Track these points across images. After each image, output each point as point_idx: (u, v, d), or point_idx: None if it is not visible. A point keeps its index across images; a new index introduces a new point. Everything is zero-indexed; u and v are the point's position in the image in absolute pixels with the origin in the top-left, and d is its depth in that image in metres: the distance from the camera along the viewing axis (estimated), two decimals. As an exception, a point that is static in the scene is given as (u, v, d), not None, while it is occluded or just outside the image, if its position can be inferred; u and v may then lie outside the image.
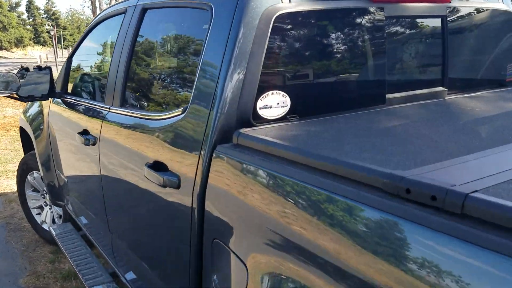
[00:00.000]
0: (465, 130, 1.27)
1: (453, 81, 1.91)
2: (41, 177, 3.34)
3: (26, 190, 3.68)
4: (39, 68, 2.69)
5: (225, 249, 1.26)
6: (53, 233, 2.98)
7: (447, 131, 1.28)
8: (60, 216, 3.39)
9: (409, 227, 0.80)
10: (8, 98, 2.74)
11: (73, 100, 2.57)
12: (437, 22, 1.87)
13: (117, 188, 2.01)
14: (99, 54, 2.57)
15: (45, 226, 3.55)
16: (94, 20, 2.59)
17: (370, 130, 1.34)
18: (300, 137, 1.29)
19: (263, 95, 1.45)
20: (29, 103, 3.43)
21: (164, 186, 1.52)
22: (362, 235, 0.87)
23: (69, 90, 2.77)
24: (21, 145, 3.94)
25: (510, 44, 2.07)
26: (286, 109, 1.49)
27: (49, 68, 2.68)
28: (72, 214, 2.91)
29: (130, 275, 2.04)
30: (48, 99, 2.76)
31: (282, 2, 1.46)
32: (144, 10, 1.98)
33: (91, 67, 2.76)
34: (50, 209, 3.54)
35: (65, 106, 2.66)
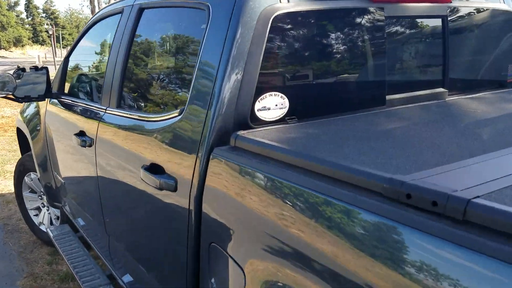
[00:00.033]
0: (467, 133, 1.25)
1: (454, 82, 1.89)
2: (38, 178, 3.32)
3: (23, 191, 3.66)
4: (35, 68, 2.67)
5: (222, 253, 1.24)
6: (51, 234, 2.96)
7: (448, 133, 1.26)
8: (57, 218, 3.37)
9: (410, 233, 0.78)
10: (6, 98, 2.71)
11: (70, 101, 2.55)
12: (437, 22, 1.85)
13: (114, 190, 1.99)
14: (95, 54, 2.55)
15: (42, 228, 3.53)
16: (91, 19, 2.57)
17: (370, 133, 1.32)
18: (299, 139, 1.27)
19: (261, 97, 1.43)
20: (26, 103, 3.40)
21: (160, 188, 1.50)
22: (361, 241, 0.85)
23: (66, 91, 2.75)
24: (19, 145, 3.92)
25: (511, 44, 2.05)
26: (285, 111, 1.47)
27: (46, 68, 2.66)
28: (70, 216, 2.89)
29: (127, 278, 2.02)
30: (44, 100, 2.74)
31: (280, 2, 1.44)
32: (141, 10, 1.96)
33: (87, 67, 2.74)
34: (47, 210, 3.52)
35: (61, 107, 2.64)
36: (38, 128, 3.11)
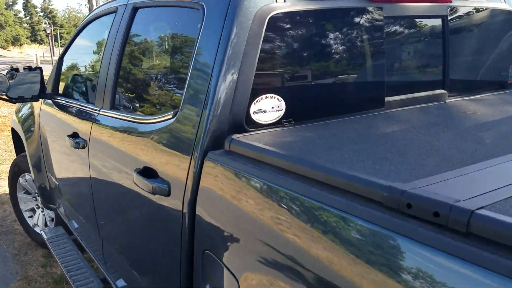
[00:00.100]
0: (468, 137, 1.21)
1: (454, 83, 1.86)
2: (33, 180, 3.27)
3: (17, 192, 3.61)
4: (29, 68, 2.63)
5: (216, 261, 1.20)
6: (45, 237, 2.91)
7: (449, 137, 1.22)
8: (52, 219, 3.33)
9: (410, 245, 0.74)
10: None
11: (64, 102, 2.51)
12: (437, 22, 1.81)
13: (107, 193, 1.95)
14: (89, 54, 2.50)
15: (37, 229, 3.49)
16: (85, 19, 2.52)
17: (368, 136, 1.28)
18: (295, 144, 1.23)
19: (257, 99, 1.39)
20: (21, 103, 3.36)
21: (153, 193, 1.46)
22: (359, 253, 0.81)
23: (60, 91, 2.70)
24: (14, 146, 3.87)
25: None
26: (281, 113, 1.43)
27: (40, 69, 2.62)
28: (64, 218, 2.84)
29: (121, 283, 1.98)
30: (38, 101, 2.69)
31: (276, 1, 1.40)
32: (135, 9, 1.91)
33: (81, 67, 2.69)
34: (42, 212, 3.48)
35: (55, 107, 2.59)
36: (32, 128, 3.07)
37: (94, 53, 2.43)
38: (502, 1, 2.03)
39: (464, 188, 0.82)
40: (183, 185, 1.34)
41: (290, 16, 1.43)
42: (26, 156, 3.25)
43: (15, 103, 2.72)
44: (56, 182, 2.76)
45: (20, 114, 3.40)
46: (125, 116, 1.79)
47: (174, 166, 1.41)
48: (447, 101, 1.81)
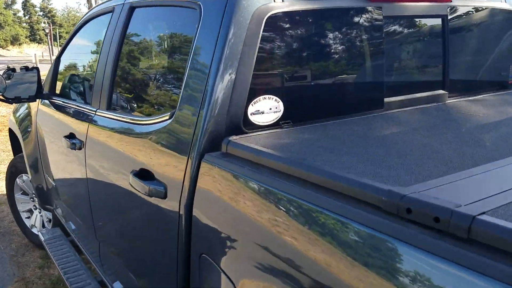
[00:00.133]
0: (469, 139, 1.19)
1: (454, 83, 1.84)
2: (30, 180, 3.25)
3: (15, 193, 3.59)
4: (26, 68, 2.61)
5: (213, 265, 1.18)
6: (42, 238, 2.89)
7: (449, 139, 1.20)
8: (49, 220, 3.31)
9: (410, 251, 0.73)
10: (1, 98, 2.65)
11: (61, 102, 2.48)
12: (437, 22, 1.79)
13: (104, 195, 1.93)
14: (86, 54, 2.48)
15: (34, 230, 3.47)
16: (82, 18, 2.50)
17: (367, 138, 1.26)
18: (293, 146, 1.21)
19: (255, 100, 1.37)
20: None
21: (150, 195, 1.44)
22: (358, 258, 0.80)
23: (57, 91, 2.68)
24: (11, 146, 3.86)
25: (512, 44, 2.00)
26: (279, 114, 1.41)
27: (37, 69, 2.60)
28: (61, 219, 2.82)
29: (118, 285, 1.96)
30: (35, 101, 2.67)
31: (274, 1, 1.38)
32: (132, 9, 1.89)
33: (78, 67, 2.67)
34: (39, 213, 3.46)
35: (52, 108, 2.57)
36: (29, 129, 3.05)
37: (91, 53, 2.41)
38: (503, 1, 2.01)
39: (465, 192, 0.80)
40: (180, 188, 1.32)
41: (288, 15, 1.41)
42: (23, 157, 3.23)
43: (12, 104, 2.70)
44: (53, 183, 2.74)
45: (17, 114, 3.38)
46: (122, 117, 1.77)
47: (171, 168, 1.39)
48: (447, 101, 1.79)
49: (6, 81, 2.49)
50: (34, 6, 66.29)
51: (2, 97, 2.49)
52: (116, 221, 1.89)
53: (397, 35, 1.71)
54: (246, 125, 1.36)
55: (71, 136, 2.19)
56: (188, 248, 1.31)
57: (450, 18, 1.80)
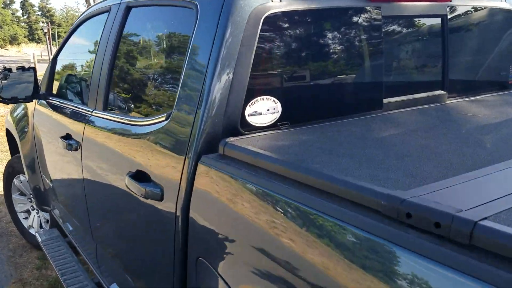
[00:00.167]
0: (469, 140, 1.17)
1: (454, 84, 1.82)
2: (27, 181, 3.23)
3: (12, 193, 3.57)
4: (22, 68, 2.59)
5: (210, 270, 1.16)
6: (39, 239, 2.87)
7: (449, 141, 1.18)
8: (47, 221, 3.29)
9: (410, 257, 0.71)
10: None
11: (57, 102, 2.46)
12: (437, 22, 1.78)
13: (100, 197, 1.91)
14: (83, 54, 2.46)
15: (32, 231, 3.45)
16: (79, 18, 2.48)
17: (366, 140, 1.24)
18: (291, 148, 1.19)
19: (252, 101, 1.35)
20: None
21: (146, 197, 1.43)
22: (357, 263, 0.78)
23: (54, 91, 2.66)
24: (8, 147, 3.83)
25: (512, 44, 1.98)
26: (277, 115, 1.39)
27: (33, 69, 2.58)
28: (58, 220, 2.81)
29: (115, 287, 1.94)
30: (32, 101, 2.65)
31: (272, 1, 1.36)
32: (128, 9, 1.87)
33: (75, 67, 2.65)
34: (37, 213, 3.44)
35: (49, 108, 2.55)
36: (26, 129, 3.03)
37: (88, 53, 2.38)
38: (502, 0, 1.99)
39: (466, 196, 0.79)
40: (176, 190, 1.30)
41: (286, 15, 1.39)
42: (20, 157, 3.21)
43: (8, 104, 2.68)
44: (50, 184, 2.72)
45: (14, 115, 3.36)
46: (118, 118, 1.75)
47: (167, 170, 1.37)
48: (446, 102, 1.78)
49: (3, 81, 2.47)
50: (32, 5, 66.15)
51: (-2, 98, 2.47)
52: (113, 223, 1.87)
53: (396, 35, 1.70)
54: (243, 126, 1.34)
55: (67, 137, 2.17)
56: (184, 251, 1.29)
57: (450, 18, 1.78)
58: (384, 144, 1.20)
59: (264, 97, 1.37)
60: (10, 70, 2.61)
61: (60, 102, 2.43)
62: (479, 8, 1.91)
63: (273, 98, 1.38)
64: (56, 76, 2.70)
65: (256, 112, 1.36)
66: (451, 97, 1.81)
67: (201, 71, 1.34)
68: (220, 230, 1.15)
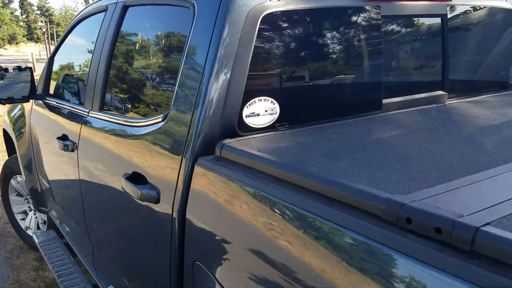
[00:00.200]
0: (470, 142, 1.16)
1: (454, 84, 1.80)
2: (24, 182, 3.21)
3: (9, 194, 3.55)
4: (19, 68, 2.57)
5: (207, 274, 1.14)
6: (36, 240, 2.85)
7: (450, 143, 1.17)
8: (44, 222, 3.27)
9: (410, 264, 0.69)
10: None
11: (54, 102, 2.44)
12: (436, 22, 1.76)
13: (97, 199, 1.89)
14: (79, 54, 2.44)
15: (29, 232, 3.43)
16: (76, 17, 2.46)
17: (365, 142, 1.22)
18: (289, 150, 1.17)
19: (250, 102, 1.33)
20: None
21: (142, 200, 1.41)
22: (355, 269, 0.76)
23: (51, 92, 2.64)
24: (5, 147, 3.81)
25: (513, 44, 1.96)
26: (275, 117, 1.38)
27: (30, 69, 2.56)
28: (56, 221, 2.78)
29: (112, 290, 1.92)
30: (28, 101, 2.63)
31: (270, 0, 1.34)
32: (125, 8, 1.85)
33: (72, 67, 2.63)
34: (34, 214, 3.42)
35: (46, 108, 2.53)
36: (23, 130, 3.01)
37: (84, 52, 2.36)
38: (503, 0, 1.97)
39: (468, 200, 0.77)
40: (173, 192, 1.28)
41: (284, 15, 1.37)
42: (17, 158, 3.19)
43: (4, 104, 2.66)
44: (47, 185, 2.70)
45: (12, 115, 3.34)
46: (115, 119, 1.73)
47: (164, 172, 1.35)
48: (446, 103, 1.76)
49: (-1, 81, 2.45)
50: (31, 5, 66.01)
51: (-6, 98, 2.45)
52: (109, 225, 1.85)
53: (395, 34, 1.68)
54: (241, 128, 1.32)
55: (63, 138, 2.15)
56: (181, 255, 1.27)
57: (450, 17, 1.77)
58: (383, 145, 1.18)
59: (262, 97, 1.35)
60: (6, 70, 2.59)
61: (56, 102, 2.41)
62: (479, 8, 1.89)
63: (271, 99, 1.36)
64: (53, 76, 2.67)
65: (253, 113, 1.34)
66: (451, 98, 1.80)
67: (198, 71, 1.32)
68: (216, 234, 1.13)
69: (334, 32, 1.49)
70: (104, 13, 2.02)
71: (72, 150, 2.04)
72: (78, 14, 2.46)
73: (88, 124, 1.93)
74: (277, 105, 1.37)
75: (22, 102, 2.61)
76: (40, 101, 2.62)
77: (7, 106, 3.45)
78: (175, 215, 1.27)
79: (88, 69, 2.07)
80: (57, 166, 2.43)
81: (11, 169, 3.45)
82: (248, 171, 1.08)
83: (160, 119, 1.43)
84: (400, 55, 1.72)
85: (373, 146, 1.18)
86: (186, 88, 1.36)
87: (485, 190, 0.82)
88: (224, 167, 1.14)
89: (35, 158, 2.85)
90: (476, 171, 0.90)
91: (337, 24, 1.50)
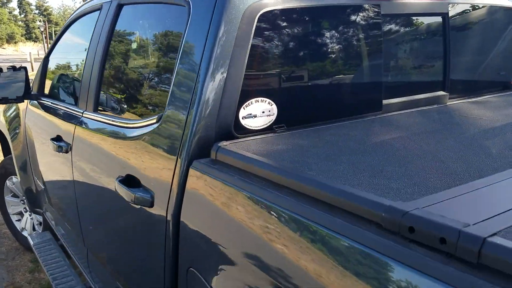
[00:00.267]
0: (474, 146, 1.12)
1: (455, 84, 1.77)
2: (20, 183, 3.17)
3: (5, 195, 3.51)
4: (13, 68, 2.53)
5: (202, 281, 1.11)
6: (31, 242, 2.82)
7: (452, 146, 1.13)
8: (40, 223, 3.23)
9: (412, 276, 0.65)
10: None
11: (49, 103, 2.40)
12: (437, 21, 1.72)
13: (90, 201, 1.85)
14: (74, 53, 2.40)
15: (25, 233, 3.39)
16: (70, 17, 2.42)
17: (365, 145, 1.18)
18: (287, 153, 1.13)
19: (246, 103, 1.29)
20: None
21: (136, 203, 1.37)
22: (355, 280, 0.72)
23: (46, 92, 2.60)
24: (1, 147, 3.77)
25: (515, 44, 1.93)
26: (272, 118, 1.34)
27: (25, 68, 2.52)
28: (51, 223, 2.75)
29: (106, 294, 1.88)
30: (23, 102, 2.59)
31: (267, -2, 1.30)
32: (120, 6, 1.81)
33: (66, 67, 2.59)
34: (30, 215, 3.38)
35: (41, 109, 2.49)
36: (18, 130, 2.97)
37: (79, 52, 2.32)
38: (505, -1, 1.94)
39: (474, 208, 0.73)
40: (167, 196, 1.25)
41: (282, 13, 1.34)
42: (12, 158, 3.15)
43: (-1, 104, 2.63)
44: (42, 186, 2.66)
45: (7, 115, 3.30)
46: (108, 120, 1.69)
47: (158, 175, 1.31)
48: (448, 103, 1.72)
49: (-7, 81, 2.41)
50: (29, 4, 65.85)
51: (-12, 98, 2.40)
52: (103, 228, 1.81)
53: (396, 34, 1.64)
54: (237, 130, 1.28)
55: (58, 139, 2.11)
56: (175, 260, 1.24)
57: (451, 16, 1.73)
58: (383, 148, 1.14)
59: (259, 98, 1.31)
60: (1, 70, 2.55)
61: (51, 103, 2.37)
62: (480, 6, 1.85)
63: (268, 100, 1.32)
64: (48, 76, 2.63)
65: (250, 114, 1.30)
66: (452, 98, 1.76)
67: (193, 71, 1.28)
68: (211, 240, 1.09)
69: (333, 31, 1.45)
70: (98, 11, 1.98)
71: (66, 152, 2.00)
72: (73, 13, 2.42)
73: (82, 125, 1.89)
74: (274, 106, 1.33)
75: (17, 102, 2.57)
76: (35, 102, 2.58)
77: (3, 106, 3.41)
78: (169, 219, 1.23)
79: (82, 69, 2.03)
80: (51, 168, 2.39)
81: (6, 169, 3.42)
82: (244, 175, 1.04)
83: (154, 120, 1.40)
84: (401, 55, 1.69)
85: (373, 148, 1.14)
86: (181, 89, 1.32)
87: (491, 197, 0.78)
88: (220, 171, 1.10)
89: (30, 159, 2.81)
90: (481, 176, 0.87)
91: (336, 23, 1.46)
